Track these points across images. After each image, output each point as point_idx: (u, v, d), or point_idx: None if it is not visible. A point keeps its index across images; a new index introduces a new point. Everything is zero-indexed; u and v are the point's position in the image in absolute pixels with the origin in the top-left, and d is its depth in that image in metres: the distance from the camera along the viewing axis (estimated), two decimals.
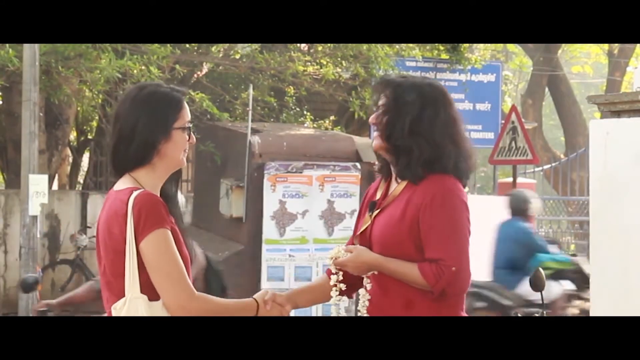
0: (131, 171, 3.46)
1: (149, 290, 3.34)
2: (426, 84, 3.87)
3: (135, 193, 3.34)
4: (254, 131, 10.43)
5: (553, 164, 19.66)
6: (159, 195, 3.46)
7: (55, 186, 16.48)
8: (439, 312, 3.72)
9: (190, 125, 3.54)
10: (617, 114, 4.97)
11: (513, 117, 12.47)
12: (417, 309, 3.72)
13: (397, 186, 3.84)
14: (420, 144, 3.76)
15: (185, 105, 3.53)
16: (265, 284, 10.01)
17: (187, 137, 3.51)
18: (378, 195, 3.92)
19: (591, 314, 4.92)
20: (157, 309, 3.33)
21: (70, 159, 17.73)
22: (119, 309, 3.34)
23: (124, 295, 3.35)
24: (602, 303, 4.85)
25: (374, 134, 3.92)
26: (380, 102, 3.88)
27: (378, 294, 3.80)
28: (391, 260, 3.74)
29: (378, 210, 3.85)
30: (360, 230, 3.89)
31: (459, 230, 3.81)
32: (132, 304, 3.33)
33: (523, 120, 12.87)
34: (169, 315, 3.41)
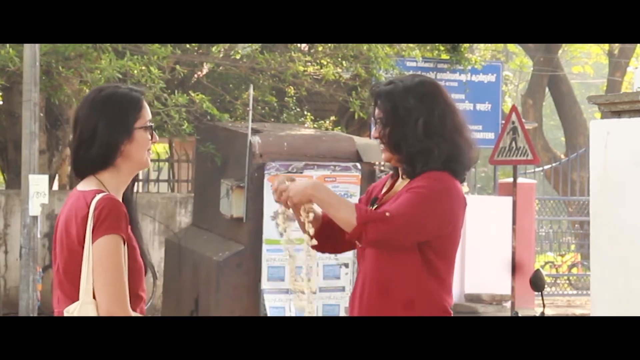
0: (95, 173, 3.44)
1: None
2: (418, 84, 3.82)
3: (98, 196, 3.33)
4: (255, 131, 10.42)
5: (553, 164, 19.66)
6: (121, 196, 3.45)
7: (55, 186, 16.47)
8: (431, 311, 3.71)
9: (152, 125, 3.51)
10: (618, 114, 4.97)
11: (513, 117, 12.46)
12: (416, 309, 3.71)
13: (400, 182, 3.84)
14: (439, 142, 3.74)
15: (145, 104, 3.51)
16: (265, 284, 10.01)
17: (150, 136, 3.49)
18: (384, 191, 3.92)
19: (591, 314, 4.92)
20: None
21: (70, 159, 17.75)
22: (71, 313, 3.34)
23: (74, 297, 3.34)
24: (602, 303, 4.85)
25: (381, 147, 3.87)
26: (377, 115, 3.84)
27: (375, 294, 3.79)
28: (329, 190, 3.78)
29: (377, 206, 3.84)
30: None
31: (419, 205, 3.69)
32: (83, 309, 3.32)
33: (523, 120, 12.86)
34: (172, 316, 3.42)
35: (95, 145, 3.41)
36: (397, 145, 3.79)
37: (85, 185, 3.43)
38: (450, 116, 3.80)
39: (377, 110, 3.85)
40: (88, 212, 3.30)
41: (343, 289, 10.01)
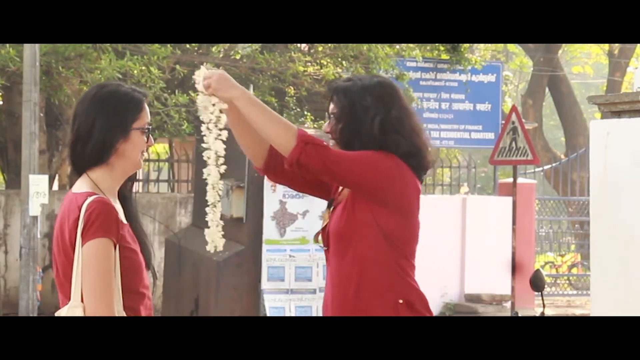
0: (89, 170, 3.44)
1: None
2: (377, 84, 3.82)
3: (89, 199, 3.33)
4: None
5: (553, 164, 19.66)
6: (116, 195, 3.45)
7: (55, 186, 16.48)
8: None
9: (150, 127, 3.51)
10: (618, 114, 4.97)
11: (513, 117, 12.46)
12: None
13: None
14: (396, 139, 3.73)
15: (146, 107, 3.51)
16: (265, 284, 10.01)
17: (146, 139, 3.49)
18: (339, 192, 3.91)
19: (591, 314, 4.92)
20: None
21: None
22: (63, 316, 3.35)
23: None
24: (602, 303, 4.85)
25: (331, 142, 3.84)
26: (332, 110, 3.83)
27: (342, 297, 3.77)
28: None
29: (333, 207, 3.82)
30: (321, 228, 3.89)
31: (363, 154, 3.70)
32: (70, 312, 3.33)
33: (523, 120, 12.87)
34: (172, 316, 3.42)
35: (91, 141, 3.42)
36: (349, 141, 3.78)
37: (79, 187, 3.43)
38: (407, 118, 3.79)
39: (332, 105, 3.83)
40: (79, 215, 3.31)
41: None
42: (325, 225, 3.86)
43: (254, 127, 3.69)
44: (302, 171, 3.66)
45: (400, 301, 3.70)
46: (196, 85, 3.64)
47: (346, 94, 3.80)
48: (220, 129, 3.69)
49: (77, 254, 3.31)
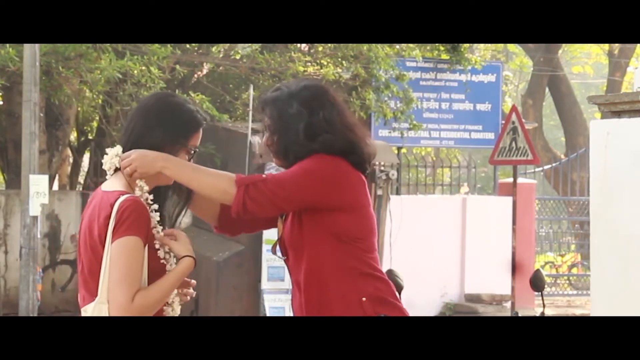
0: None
1: None
2: (303, 88, 3.78)
3: (122, 197, 3.35)
4: (255, 132, 10.43)
5: (553, 164, 19.67)
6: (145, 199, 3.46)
7: (55, 186, 16.48)
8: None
9: (196, 151, 3.53)
10: (618, 114, 4.97)
11: (513, 117, 12.47)
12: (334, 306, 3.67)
13: None
14: (328, 139, 3.69)
15: (201, 131, 3.54)
16: (265, 284, 10.02)
17: (188, 159, 3.53)
18: None
19: (591, 314, 4.93)
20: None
21: (71, 160, 17.74)
22: (89, 313, 3.36)
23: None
24: (602, 303, 4.85)
25: (271, 155, 3.81)
26: (266, 122, 3.79)
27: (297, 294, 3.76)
28: (184, 161, 3.54)
29: (285, 217, 3.80)
30: (277, 239, 3.84)
31: (299, 168, 3.65)
32: (97, 308, 3.34)
33: (523, 120, 12.87)
34: (172, 316, 3.43)
35: (142, 145, 3.43)
36: (284, 152, 3.75)
37: (110, 185, 3.45)
38: (338, 116, 3.75)
39: (265, 118, 3.81)
40: (111, 212, 3.32)
41: None
42: (281, 235, 3.83)
43: (191, 187, 3.58)
44: (251, 214, 3.62)
45: (364, 299, 3.68)
46: (122, 172, 3.48)
47: (275, 105, 3.77)
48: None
49: (106, 250, 3.32)
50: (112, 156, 3.48)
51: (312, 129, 3.70)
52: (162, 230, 3.46)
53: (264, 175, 3.63)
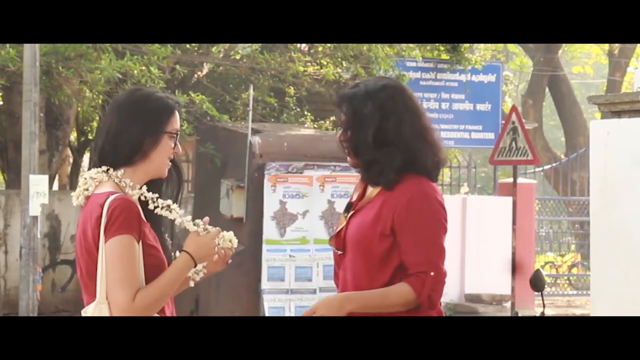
0: (115, 170, 3.46)
1: None
2: (380, 88, 3.78)
3: (111, 197, 3.36)
4: (255, 132, 10.43)
5: (553, 164, 19.66)
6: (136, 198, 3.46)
7: (55, 186, 16.48)
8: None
9: (178, 135, 3.53)
10: (618, 114, 4.97)
11: (513, 117, 12.47)
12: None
13: (373, 189, 3.82)
14: (390, 152, 3.71)
15: (177, 114, 3.54)
16: (265, 284, 10.02)
17: (173, 145, 3.51)
18: (355, 197, 3.89)
19: (591, 314, 4.92)
20: None
21: (71, 160, 17.75)
22: (89, 314, 3.36)
23: None
24: (602, 303, 4.85)
25: (345, 151, 3.85)
26: (342, 118, 3.82)
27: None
28: (363, 292, 3.69)
29: (352, 212, 3.82)
30: (336, 232, 3.87)
31: (435, 233, 3.72)
32: (97, 309, 3.34)
33: (523, 120, 12.87)
34: (174, 316, 3.44)
35: (121, 142, 3.44)
36: (355, 150, 3.79)
37: (99, 188, 3.45)
38: (408, 121, 3.74)
39: (342, 115, 3.83)
40: (101, 213, 3.33)
41: None
42: (342, 230, 3.84)
43: (381, 312, 3.70)
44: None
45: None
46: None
47: (351, 102, 3.79)
48: None
49: (101, 251, 3.33)
50: (92, 176, 3.48)
51: (381, 135, 3.72)
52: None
53: (432, 274, 3.67)
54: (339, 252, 3.86)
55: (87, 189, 3.46)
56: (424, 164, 3.74)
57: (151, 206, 3.45)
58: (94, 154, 3.58)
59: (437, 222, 3.73)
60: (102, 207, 3.34)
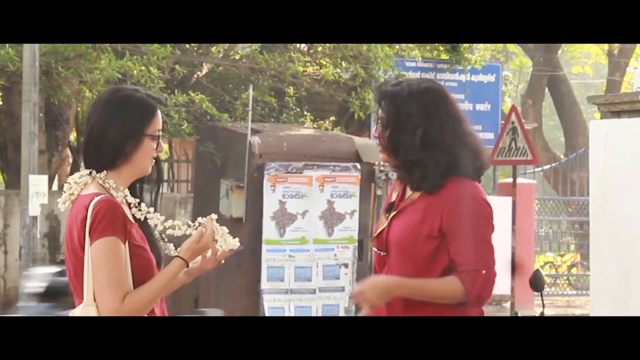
0: (99, 172, 3.46)
1: None
2: (424, 90, 3.77)
3: (95, 199, 3.35)
4: (254, 132, 10.43)
5: (553, 165, 19.66)
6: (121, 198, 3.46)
7: (55, 187, 16.46)
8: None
9: (160, 134, 3.52)
10: (617, 114, 4.97)
11: (513, 117, 12.46)
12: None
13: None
14: (436, 155, 3.70)
15: (159, 114, 3.53)
16: (265, 284, 10.01)
17: (155, 145, 3.50)
18: (394, 197, 3.86)
19: (591, 314, 4.92)
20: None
21: (70, 160, 17.73)
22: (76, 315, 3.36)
23: None
24: (602, 303, 4.85)
25: (379, 147, 3.84)
26: (380, 115, 3.80)
27: (401, 306, 3.74)
28: (413, 279, 3.69)
29: (395, 213, 3.80)
30: (377, 232, 3.84)
31: (485, 233, 3.74)
32: (84, 311, 3.35)
33: (523, 120, 12.87)
34: (172, 316, 3.44)
35: (104, 145, 3.44)
36: (394, 150, 3.76)
37: (85, 190, 3.44)
38: (451, 126, 3.74)
39: (380, 111, 3.82)
40: (86, 214, 3.32)
41: (343, 289, 10.01)
42: (384, 230, 3.82)
43: (428, 300, 3.72)
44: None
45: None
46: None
47: (393, 100, 3.76)
48: None
49: (86, 253, 3.32)
50: (75, 180, 3.48)
51: (427, 137, 3.70)
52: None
53: (483, 272, 3.67)
54: (382, 254, 3.83)
55: (72, 194, 3.46)
56: (467, 167, 3.73)
57: (134, 211, 3.44)
58: (80, 159, 3.58)
59: (487, 222, 3.73)
60: (86, 208, 3.34)
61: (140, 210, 3.44)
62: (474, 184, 3.75)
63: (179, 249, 3.51)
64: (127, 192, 3.44)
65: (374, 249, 3.88)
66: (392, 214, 3.80)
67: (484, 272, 3.67)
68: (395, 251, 3.76)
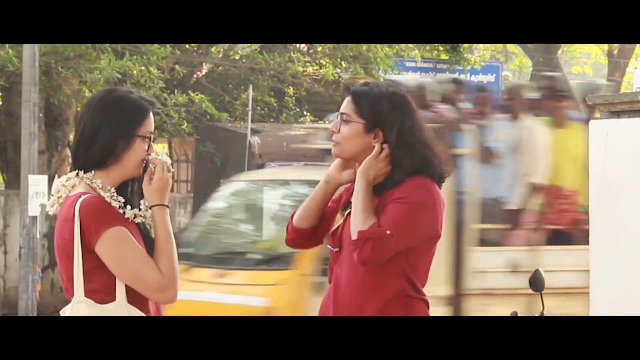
0: (88, 172, 3.46)
1: (99, 293, 3.34)
2: (392, 94, 3.76)
3: (82, 198, 3.35)
4: (254, 131, 10.43)
5: None
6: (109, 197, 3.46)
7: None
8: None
9: (152, 136, 3.52)
10: (617, 114, 4.96)
11: None
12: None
13: None
14: (410, 154, 3.69)
15: (151, 116, 3.52)
16: None
17: (147, 147, 3.50)
18: (350, 194, 3.85)
19: (591, 314, 4.92)
20: (106, 312, 3.32)
21: (70, 160, 17.74)
22: (67, 314, 3.36)
23: None
24: (602, 303, 4.85)
25: (334, 142, 3.79)
26: (344, 110, 3.77)
27: (349, 302, 3.73)
28: (368, 200, 3.67)
29: (349, 210, 3.80)
30: (332, 230, 3.83)
31: (410, 216, 3.65)
32: (74, 308, 3.34)
33: None
34: (172, 316, 3.44)
35: (95, 145, 3.43)
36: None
37: (73, 191, 3.44)
38: (418, 131, 3.75)
39: (345, 106, 3.77)
40: (73, 213, 3.32)
41: None
42: (339, 227, 3.82)
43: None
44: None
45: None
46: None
47: (362, 98, 3.74)
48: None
49: (76, 252, 3.32)
50: (63, 183, 3.49)
51: (400, 137, 3.70)
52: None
53: (387, 232, 3.61)
54: (335, 250, 3.84)
55: (60, 197, 3.46)
56: (434, 170, 3.73)
57: (120, 211, 3.44)
58: (72, 160, 3.59)
59: (419, 207, 3.66)
60: (73, 207, 3.34)
61: (125, 212, 3.43)
62: (431, 181, 3.72)
63: (145, 202, 3.48)
64: (113, 191, 3.44)
65: (328, 246, 3.86)
66: (347, 211, 3.80)
67: (388, 232, 3.60)
68: (347, 247, 3.75)
